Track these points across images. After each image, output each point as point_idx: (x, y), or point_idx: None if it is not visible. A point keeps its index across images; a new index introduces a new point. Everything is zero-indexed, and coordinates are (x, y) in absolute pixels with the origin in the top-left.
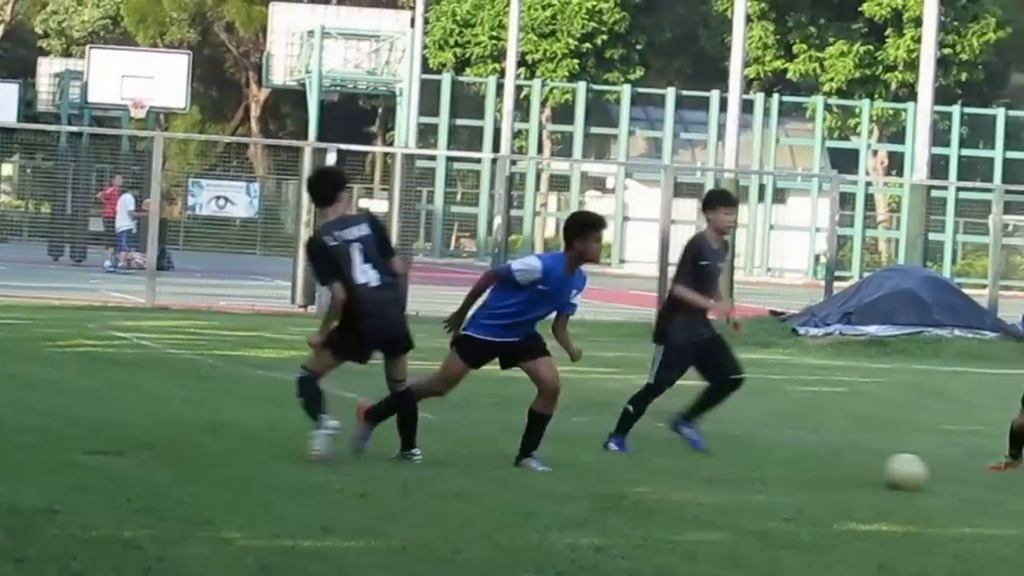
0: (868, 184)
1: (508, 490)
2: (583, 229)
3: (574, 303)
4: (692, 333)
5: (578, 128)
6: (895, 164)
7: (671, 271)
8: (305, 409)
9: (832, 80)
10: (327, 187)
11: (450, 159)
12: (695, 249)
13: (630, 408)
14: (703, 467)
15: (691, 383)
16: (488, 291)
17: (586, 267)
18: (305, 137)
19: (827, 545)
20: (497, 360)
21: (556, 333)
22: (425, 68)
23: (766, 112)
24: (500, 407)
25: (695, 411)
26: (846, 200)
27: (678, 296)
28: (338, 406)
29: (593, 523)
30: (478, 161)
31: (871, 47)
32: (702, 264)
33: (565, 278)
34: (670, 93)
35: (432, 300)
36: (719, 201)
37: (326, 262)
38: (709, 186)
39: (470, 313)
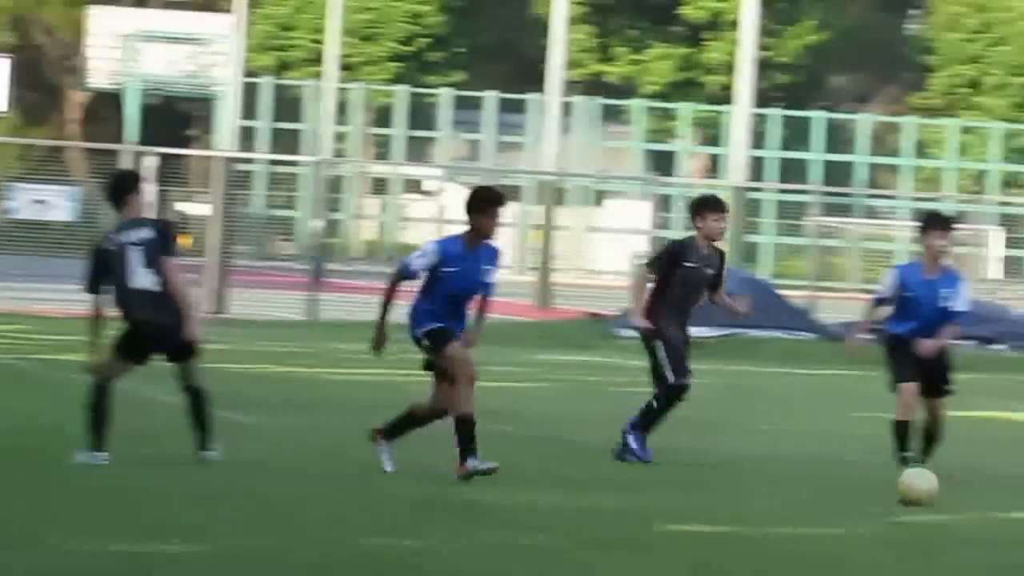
0: (687, 186)
1: (328, 492)
2: (482, 204)
3: (489, 282)
4: (675, 325)
5: (399, 131)
6: (714, 166)
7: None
8: (88, 425)
9: (652, 83)
10: (116, 190)
11: (271, 162)
12: (676, 248)
13: (654, 403)
14: (524, 469)
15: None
16: (412, 301)
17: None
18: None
19: (646, 546)
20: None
21: (475, 316)
22: (245, 71)
23: (586, 115)
24: (318, 410)
25: (647, 424)
26: (665, 202)
27: (633, 275)
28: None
29: (413, 525)
30: (298, 164)
31: (690, 50)
32: (687, 266)
33: (469, 255)
34: (490, 96)
35: (251, 303)
36: (707, 207)
37: (98, 267)
38: (528, 189)
39: (409, 321)
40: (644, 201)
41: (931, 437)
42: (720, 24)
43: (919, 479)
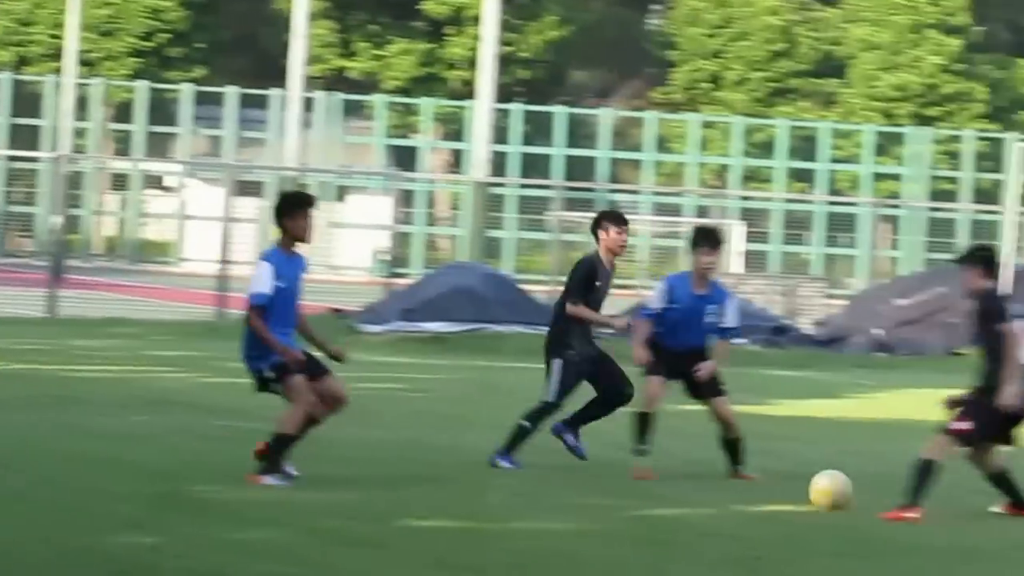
0: (429, 181)
1: (64, 490)
2: (291, 208)
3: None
4: (585, 349)
5: (139, 127)
6: (456, 162)
7: (232, 269)
8: None
9: (393, 79)
10: None
11: (9, 158)
12: (588, 268)
13: (526, 424)
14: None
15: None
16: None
17: (148, 267)
18: None
19: (385, 541)
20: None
21: (306, 334)
22: None
23: (327, 110)
24: (56, 407)
25: (580, 420)
26: (407, 198)
27: (575, 314)
28: None
29: (150, 522)
30: (37, 160)
31: (432, 45)
32: (596, 285)
33: (290, 264)
34: (231, 92)
35: None
36: (610, 220)
37: None
38: (270, 185)
39: (248, 354)
40: (386, 196)
41: (732, 445)
42: (462, 19)
43: (824, 480)
